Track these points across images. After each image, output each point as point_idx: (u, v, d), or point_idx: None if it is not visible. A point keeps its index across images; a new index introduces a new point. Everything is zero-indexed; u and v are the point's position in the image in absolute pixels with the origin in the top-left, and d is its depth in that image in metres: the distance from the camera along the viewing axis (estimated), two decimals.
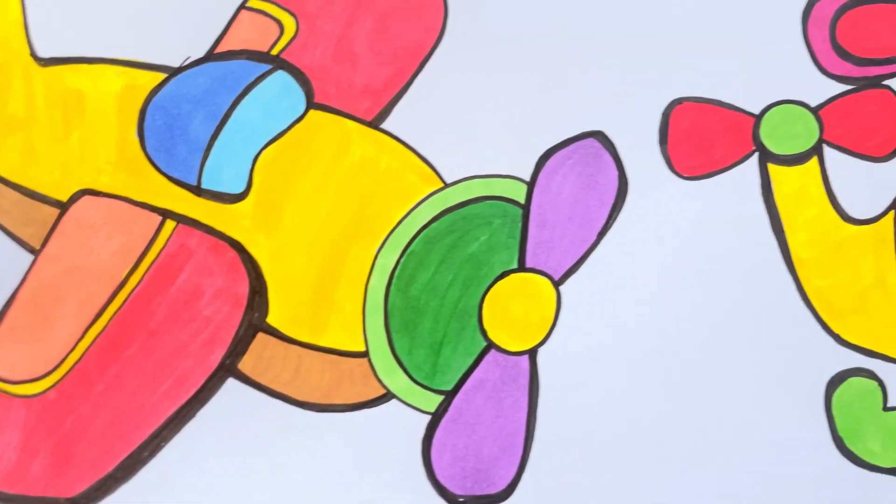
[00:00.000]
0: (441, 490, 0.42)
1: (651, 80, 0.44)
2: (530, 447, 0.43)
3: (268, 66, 0.44)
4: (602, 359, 0.44)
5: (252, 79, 0.44)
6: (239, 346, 0.43)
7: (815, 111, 0.44)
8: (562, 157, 0.44)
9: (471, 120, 0.44)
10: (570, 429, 0.43)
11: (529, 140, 0.44)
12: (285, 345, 0.44)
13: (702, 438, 0.43)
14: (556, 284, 0.44)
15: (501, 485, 0.42)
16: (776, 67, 0.44)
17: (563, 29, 0.45)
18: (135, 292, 0.43)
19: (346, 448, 0.43)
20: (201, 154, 0.43)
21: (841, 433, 0.43)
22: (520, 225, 0.44)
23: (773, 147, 0.44)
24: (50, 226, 0.44)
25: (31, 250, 0.44)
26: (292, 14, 0.44)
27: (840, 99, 0.44)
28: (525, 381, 0.43)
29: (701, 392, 0.43)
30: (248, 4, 0.45)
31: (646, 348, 0.44)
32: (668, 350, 0.44)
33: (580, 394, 0.43)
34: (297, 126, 0.44)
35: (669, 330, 0.44)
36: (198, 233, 0.44)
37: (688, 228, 0.44)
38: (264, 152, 0.44)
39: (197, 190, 0.44)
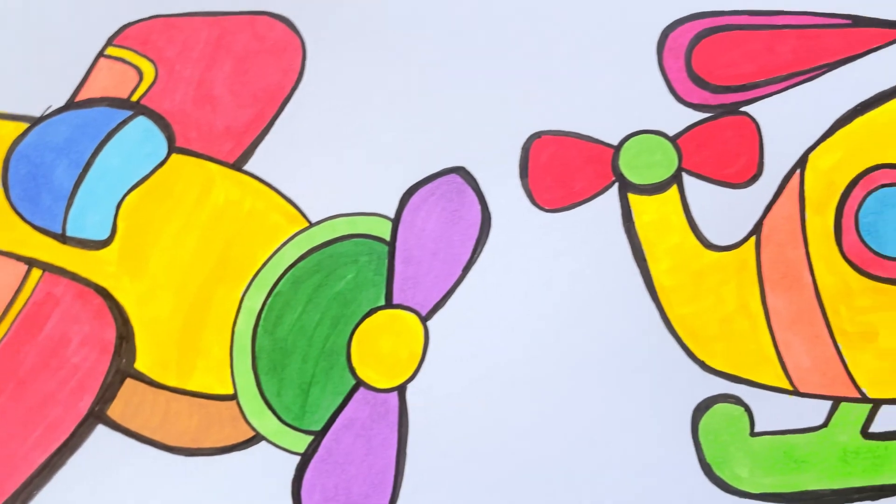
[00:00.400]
0: None
1: (510, 115, 0.44)
2: (400, 484, 0.43)
3: (128, 113, 0.44)
4: (470, 393, 0.44)
5: (113, 125, 0.44)
6: (107, 392, 0.43)
7: (673, 140, 0.44)
8: (425, 194, 0.44)
9: (333, 159, 0.45)
10: (440, 464, 0.43)
11: (392, 177, 0.45)
12: (153, 390, 0.44)
13: (571, 468, 0.43)
14: (424, 320, 0.44)
15: None
16: (633, 98, 0.44)
17: (421, 66, 0.45)
18: (3, 342, 0.43)
19: (217, 492, 0.43)
20: (65, 202, 0.44)
21: (709, 460, 0.44)
22: (386, 262, 0.44)
23: (633, 177, 0.44)
24: None
25: None
26: (151, 60, 0.45)
27: (698, 127, 0.44)
28: (394, 417, 0.44)
29: (569, 423, 0.44)
30: (106, 52, 0.45)
31: (513, 381, 0.44)
32: (535, 382, 0.44)
33: (449, 429, 0.44)
34: (160, 170, 0.44)
35: (536, 362, 0.44)
36: (64, 280, 0.44)
37: (551, 260, 0.44)
38: (128, 198, 0.44)
39: (62, 237, 0.44)
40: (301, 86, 0.45)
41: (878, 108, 0.44)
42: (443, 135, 0.45)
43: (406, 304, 0.44)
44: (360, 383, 0.44)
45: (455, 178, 0.44)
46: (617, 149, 0.45)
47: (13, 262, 0.44)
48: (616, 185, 0.45)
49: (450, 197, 0.44)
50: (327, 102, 0.45)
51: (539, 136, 0.45)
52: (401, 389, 0.44)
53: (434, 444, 0.44)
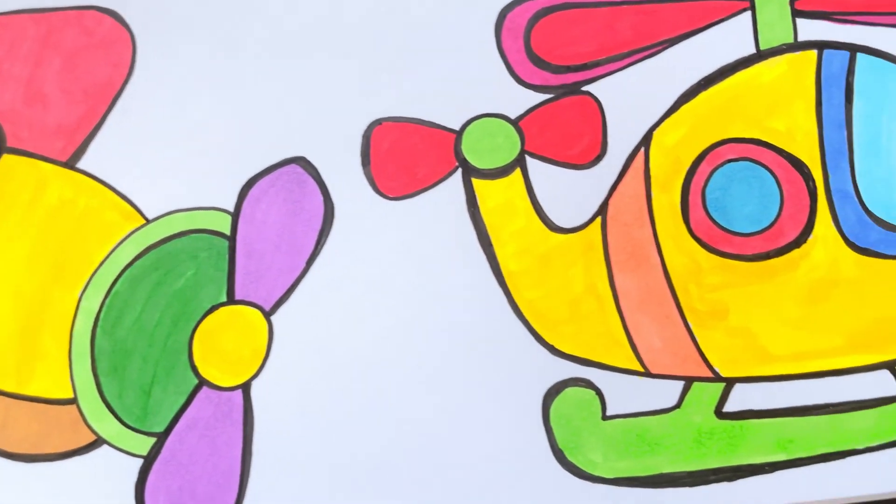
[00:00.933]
0: None
1: (350, 102, 0.44)
2: (246, 483, 0.42)
3: None
4: (317, 388, 0.43)
5: None
6: None
7: (515, 123, 0.44)
8: (265, 185, 0.44)
9: (169, 153, 0.44)
10: (287, 462, 0.43)
11: (230, 170, 0.44)
12: None
13: (421, 456, 0.43)
14: (267, 315, 0.43)
15: None
16: (473, 81, 0.44)
17: (257, 55, 0.44)
18: None
19: (58, 498, 0.42)
20: None
21: (561, 446, 0.43)
22: (227, 257, 0.43)
23: (476, 161, 0.44)
24: None
25: None
26: None
27: (539, 108, 0.44)
28: (239, 416, 0.43)
29: (419, 411, 0.43)
30: None
31: (360, 372, 0.43)
32: (383, 372, 0.43)
33: (296, 425, 0.43)
34: None
35: (384, 352, 0.43)
36: None
37: (397, 249, 0.43)
38: None
39: None
40: (132, 80, 0.44)
41: (721, 83, 0.44)
42: (281, 125, 0.44)
43: (249, 299, 0.43)
44: (202, 382, 0.43)
45: (295, 169, 0.44)
46: (459, 133, 0.44)
47: None
48: (459, 170, 0.44)
49: (290, 188, 0.44)
50: (160, 96, 0.44)
51: (380, 123, 0.44)
52: (245, 387, 0.43)
53: (281, 442, 0.43)
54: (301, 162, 0.44)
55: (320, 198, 0.44)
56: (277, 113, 0.44)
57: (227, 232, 0.44)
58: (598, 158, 0.44)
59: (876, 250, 0.43)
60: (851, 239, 0.43)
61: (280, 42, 0.44)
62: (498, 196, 0.44)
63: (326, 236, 0.44)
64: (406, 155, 0.44)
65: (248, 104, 0.44)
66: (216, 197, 0.44)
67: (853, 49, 0.43)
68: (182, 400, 0.43)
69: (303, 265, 0.44)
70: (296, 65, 0.44)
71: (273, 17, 0.44)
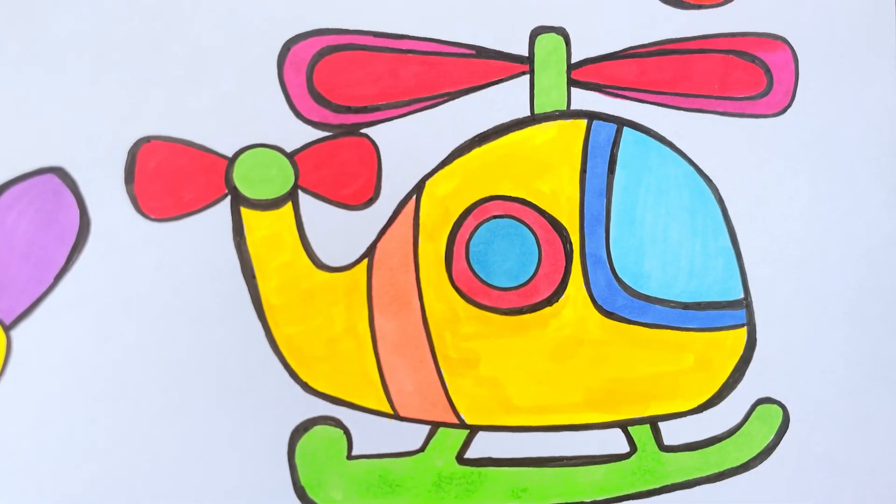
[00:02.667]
0: None
1: (118, 115, 0.42)
2: None
3: None
4: (54, 408, 0.42)
5: None
6: None
7: (290, 156, 0.44)
8: (18, 193, 0.42)
9: None
10: (17, 483, 0.41)
11: None
12: None
13: (161, 485, 0.42)
14: (7, 329, 0.41)
15: None
16: (251, 110, 0.43)
17: (22, 55, 0.42)
18: None
19: None
20: None
21: (303, 482, 0.44)
22: None
23: (247, 191, 0.43)
24: None
25: None
26: None
27: (317, 145, 0.44)
28: None
29: (162, 438, 0.42)
30: None
31: (102, 395, 0.42)
32: (129, 397, 0.42)
33: (30, 445, 0.41)
34: None
35: (128, 375, 0.42)
36: None
37: (153, 271, 0.43)
38: None
39: None
40: None
41: (495, 141, 0.45)
42: (41, 133, 0.42)
43: None
44: None
45: (52, 179, 0.42)
46: (231, 161, 0.44)
47: None
48: (229, 197, 0.43)
49: (44, 198, 0.42)
50: None
51: (148, 141, 0.43)
52: None
53: (11, 462, 0.41)
54: (59, 172, 0.42)
55: (76, 211, 0.42)
56: (37, 120, 0.42)
57: None
58: (371, 201, 0.45)
59: (620, 314, 0.45)
60: (599, 302, 0.45)
61: (44, 47, 0.42)
62: (266, 228, 0.44)
63: (79, 252, 0.42)
64: (173, 176, 0.43)
65: (4, 104, 0.42)
66: None
67: (620, 122, 0.46)
68: None
69: (51, 280, 0.42)
70: (60, 71, 0.42)
71: (41, 20, 0.42)
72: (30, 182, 0.42)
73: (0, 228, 0.42)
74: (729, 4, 0.47)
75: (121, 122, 0.43)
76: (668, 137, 0.46)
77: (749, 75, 0.47)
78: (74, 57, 0.42)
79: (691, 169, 0.46)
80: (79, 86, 0.42)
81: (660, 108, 0.46)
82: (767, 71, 0.47)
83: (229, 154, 0.44)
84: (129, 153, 0.43)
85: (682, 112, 0.46)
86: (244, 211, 0.44)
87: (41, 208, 0.42)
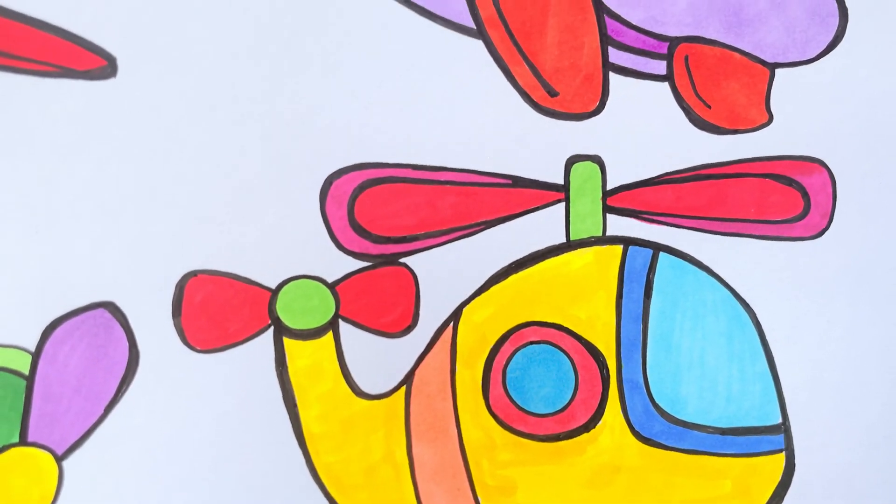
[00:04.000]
0: None
1: (165, 251, 0.44)
2: None
3: None
4: None
5: None
6: None
7: (332, 286, 0.45)
8: (70, 328, 0.44)
9: None
10: None
11: (35, 309, 0.44)
12: None
13: None
14: (59, 459, 0.43)
15: None
16: (294, 242, 0.45)
17: (71, 192, 0.44)
18: None
19: None
20: None
21: None
22: (23, 397, 0.43)
23: (289, 321, 0.45)
24: None
25: None
26: None
27: (357, 275, 0.45)
28: None
29: None
30: None
31: None
32: None
33: None
34: None
35: None
36: None
37: (199, 402, 0.44)
38: None
39: None
40: None
41: (531, 268, 0.47)
42: (93, 269, 0.44)
43: (41, 442, 0.43)
44: None
45: (103, 314, 0.44)
46: (275, 292, 0.45)
47: None
48: (272, 328, 0.45)
49: (96, 332, 0.44)
50: None
51: (195, 275, 0.45)
52: None
53: None
54: (110, 307, 0.44)
55: (125, 344, 0.44)
56: (90, 257, 0.44)
57: (27, 371, 0.43)
58: (409, 329, 0.46)
59: (658, 440, 0.46)
60: (637, 428, 0.46)
61: (96, 188, 0.44)
62: (308, 357, 0.45)
63: (128, 384, 0.44)
64: (219, 308, 0.45)
65: (60, 244, 0.44)
66: (17, 335, 0.44)
67: (656, 247, 0.47)
68: None
69: (101, 411, 0.44)
70: (112, 211, 0.44)
71: (91, 162, 0.44)
72: (82, 317, 0.44)
73: (53, 362, 0.44)
74: (765, 129, 0.47)
75: (168, 258, 0.45)
76: (705, 262, 0.47)
77: (786, 198, 0.47)
78: (122, 192, 0.44)
79: (728, 293, 0.47)
80: (129, 224, 0.44)
81: (696, 232, 0.47)
82: (805, 194, 0.47)
83: (272, 285, 0.45)
84: (176, 287, 0.45)
85: (718, 236, 0.47)
86: (286, 341, 0.45)
87: (92, 342, 0.44)
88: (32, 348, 0.44)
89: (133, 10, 0.44)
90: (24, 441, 0.43)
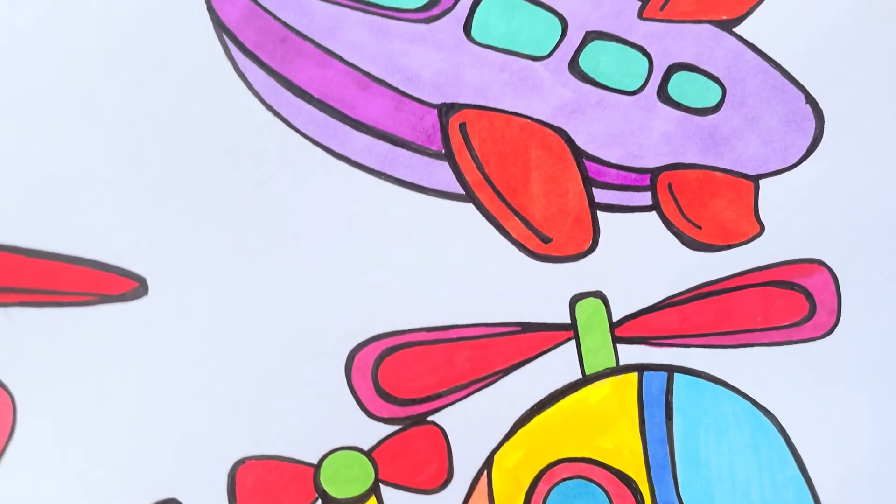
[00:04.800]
0: None
1: (215, 444, 0.48)
2: None
3: None
4: None
5: None
6: None
7: (368, 454, 0.49)
8: None
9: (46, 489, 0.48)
10: None
11: None
12: None
13: None
14: None
15: None
16: (328, 417, 0.49)
17: (128, 410, 0.49)
18: None
19: None
20: None
21: None
22: None
23: (334, 492, 0.49)
24: None
25: None
26: None
27: (390, 439, 0.49)
28: None
29: None
30: None
31: None
32: None
33: None
34: None
35: None
36: None
37: None
38: None
39: None
40: (14, 438, 0.48)
41: (553, 407, 0.49)
42: (152, 468, 0.48)
43: None
44: None
45: None
46: (317, 467, 0.49)
47: None
48: (319, 500, 0.49)
49: None
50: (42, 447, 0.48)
51: (243, 462, 0.49)
52: None
53: None
54: (173, 503, 0.48)
55: None
56: (147, 458, 0.49)
57: None
58: (446, 483, 0.49)
59: None
60: None
61: (144, 396, 0.49)
62: None
63: None
64: (269, 490, 0.49)
65: (119, 447, 0.49)
66: None
67: (670, 370, 0.49)
68: None
69: None
70: (162, 413, 0.49)
71: (132, 372, 0.49)
72: None
73: None
74: (758, 239, 0.49)
75: (217, 450, 0.49)
76: (720, 376, 0.49)
77: (790, 303, 0.49)
78: (171, 402, 0.49)
79: (748, 403, 0.49)
80: (179, 424, 0.49)
81: (706, 349, 0.49)
82: (808, 295, 0.49)
83: (314, 460, 0.49)
84: (228, 476, 0.49)
85: (729, 349, 0.49)
86: None
87: None
88: None
89: (159, 233, 0.49)
90: None
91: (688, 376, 0.49)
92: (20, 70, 0.47)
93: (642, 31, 0.49)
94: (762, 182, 0.49)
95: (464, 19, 0.49)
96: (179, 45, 0.48)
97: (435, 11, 0.49)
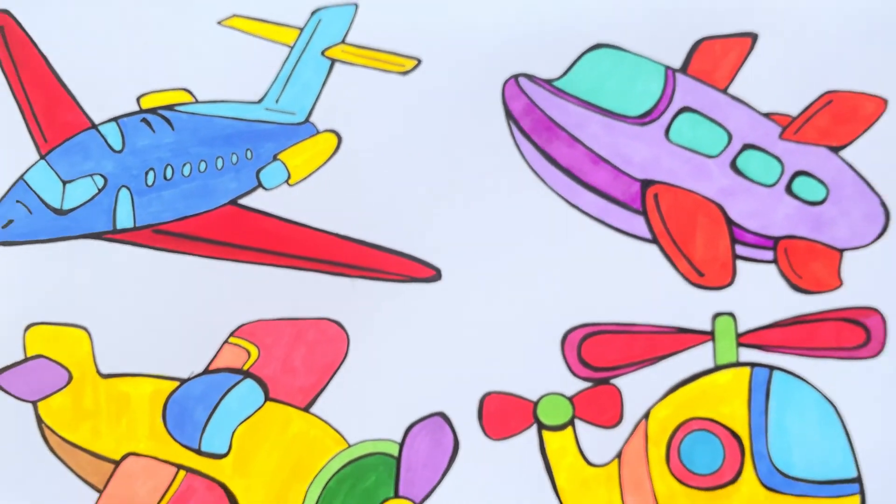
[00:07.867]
0: None
1: (475, 384, 0.77)
2: None
3: (240, 377, 0.76)
4: None
5: (231, 384, 0.76)
6: None
7: (570, 399, 0.77)
8: (418, 429, 0.77)
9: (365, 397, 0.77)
10: None
11: (400, 415, 0.77)
12: None
13: None
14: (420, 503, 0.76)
15: None
16: (547, 375, 0.77)
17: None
18: None
19: None
20: (200, 430, 0.75)
21: None
22: (394, 470, 0.76)
23: (545, 420, 0.77)
24: (108, 474, 0.75)
25: (97, 490, 0.75)
26: (255, 345, 0.77)
27: (585, 391, 0.77)
28: None
29: None
30: (229, 341, 0.77)
31: None
32: None
33: None
34: (259, 412, 0.76)
35: None
36: (199, 478, 0.75)
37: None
38: (238, 428, 0.76)
39: (198, 451, 0.75)
40: (346, 362, 0.77)
41: (693, 383, 0.77)
42: (434, 390, 0.77)
43: (406, 495, 0.76)
44: None
45: (438, 419, 0.77)
46: (536, 403, 0.77)
47: (168, 465, 0.76)
48: (535, 425, 0.77)
49: (435, 430, 0.76)
50: (369, 371, 0.77)
51: (489, 395, 0.77)
52: None
53: None
54: (441, 415, 0.77)
55: (451, 438, 0.77)
56: (431, 384, 0.77)
57: (396, 454, 0.76)
58: (618, 423, 0.77)
59: (777, 489, 0.76)
60: (763, 482, 0.76)
61: (433, 352, 0.77)
62: (556, 442, 0.77)
63: (453, 462, 0.77)
64: (503, 414, 0.77)
65: (412, 378, 0.77)
66: (391, 432, 0.77)
67: (772, 368, 0.77)
68: None
69: (438, 477, 0.76)
70: (442, 365, 0.77)
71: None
72: (425, 422, 0.77)
73: (410, 448, 0.77)
74: (838, 290, 0.77)
75: (476, 386, 0.77)
76: (803, 375, 0.77)
77: (854, 333, 0.77)
78: (445, 356, 0.77)
79: (819, 394, 0.77)
80: (454, 369, 0.77)
81: (797, 357, 0.77)
82: (866, 329, 0.77)
83: (534, 398, 0.77)
84: (479, 402, 0.77)
85: (812, 359, 0.77)
86: (544, 432, 0.77)
87: (432, 438, 0.77)
88: (399, 440, 0.77)
89: (451, 241, 0.77)
90: (396, 495, 0.76)
91: (783, 373, 0.77)
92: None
93: (780, 147, 0.77)
94: (846, 253, 0.77)
95: (666, 125, 0.77)
96: (482, 125, 0.77)
97: (647, 119, 0.78)
